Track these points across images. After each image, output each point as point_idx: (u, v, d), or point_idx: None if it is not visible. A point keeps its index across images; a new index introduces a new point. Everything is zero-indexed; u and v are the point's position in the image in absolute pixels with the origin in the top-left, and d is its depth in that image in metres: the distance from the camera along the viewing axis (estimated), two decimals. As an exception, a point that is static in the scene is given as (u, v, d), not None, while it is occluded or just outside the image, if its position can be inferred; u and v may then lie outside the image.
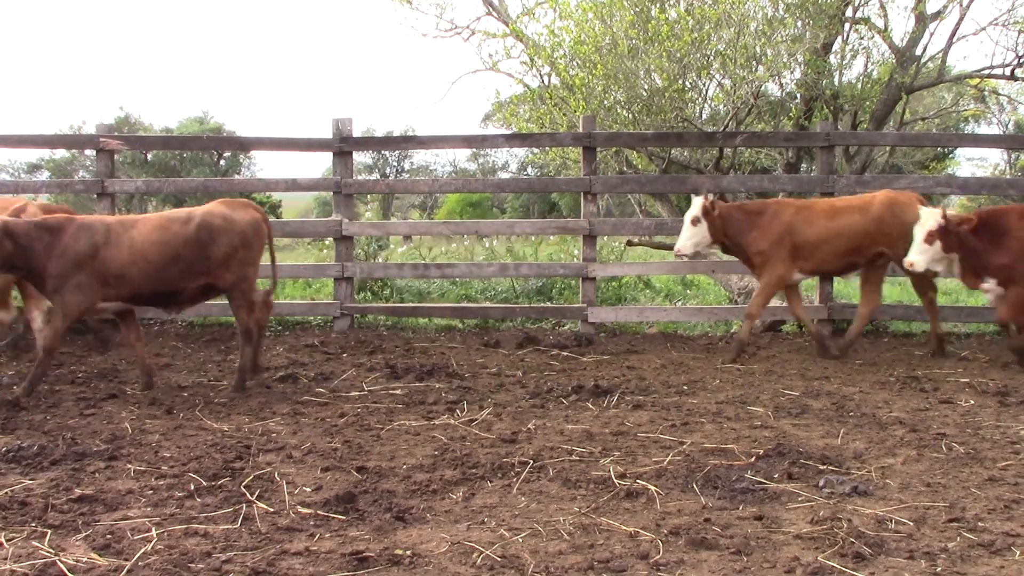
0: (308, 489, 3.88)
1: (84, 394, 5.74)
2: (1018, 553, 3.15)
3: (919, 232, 6.41)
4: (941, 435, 4.73)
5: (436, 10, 11.78)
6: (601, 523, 3.47)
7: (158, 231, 5.59)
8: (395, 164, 46.93)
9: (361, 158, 44.06)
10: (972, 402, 5.54)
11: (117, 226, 5.59)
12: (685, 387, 6.00)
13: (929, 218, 6.38)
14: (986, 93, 16.41)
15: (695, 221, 6.95)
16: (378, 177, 43.74)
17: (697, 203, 6.97)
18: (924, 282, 7.13)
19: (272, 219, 6.96)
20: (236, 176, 40.96)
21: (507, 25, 11.47)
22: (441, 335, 8.28)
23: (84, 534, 3.34)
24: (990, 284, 6.49)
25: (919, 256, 6.39)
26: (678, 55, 8.96)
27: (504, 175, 37.68)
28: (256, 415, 5.25)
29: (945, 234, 6.34)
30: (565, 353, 7.31)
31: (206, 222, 5.65)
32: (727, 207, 7.12)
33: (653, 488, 3.86)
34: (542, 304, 9.37)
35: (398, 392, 5.87)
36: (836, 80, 10.60)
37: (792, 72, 10.40)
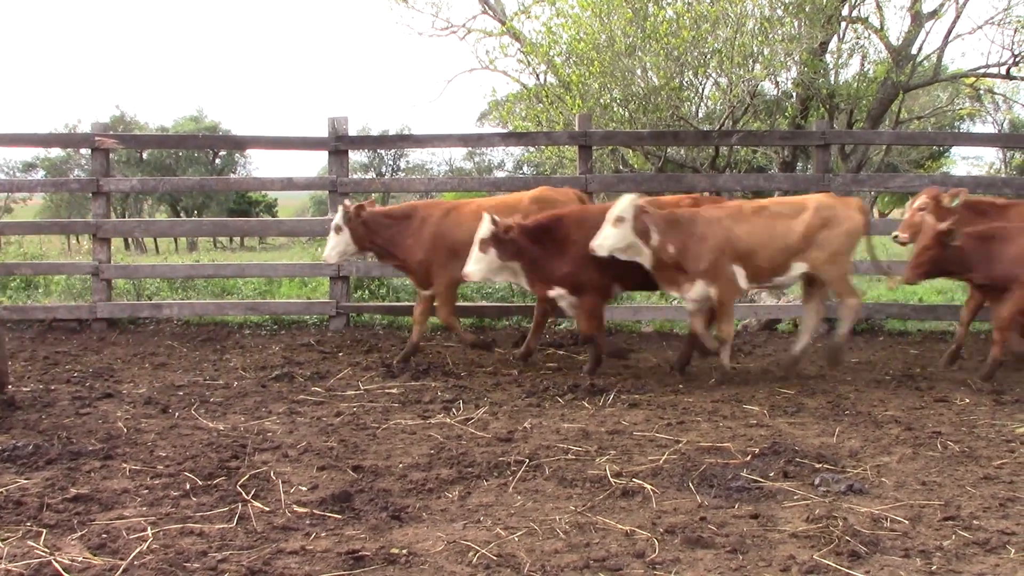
0: (304, 488, 3.87)
1: (79, 393, 5.73)
2: (1013, 551, 3.16)
3: (476, 240, 6.05)
4: (936, 433, 4.73)
5: (432, 8, 11.83)
6: (597, 522, 3.47)
7: None
8: (391, 163, 46.93)
9: (357, 157, 44.10)
10: (967, 400, 5.55)
11: None
12: (681, 385, 6.00)
13: (483, 225, 6.00)
14: (981, 92, 16.47)
15: (337, 229, 6.70)
16: (374, 176, 43.73)
17: (340, 211, 6.75)
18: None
19: (268, 218, 6.92)
20: (232, 175, 40.97)
21: (503, 23, 11.49)
22: (437, 334, 8.27)
23: (79, 534, 3.33)
24: (558, 292, 6.17)
25: (475, 266, 6.03)
26: (675, 53, 8.98)
27: (500, 174, 37.66)
28: (252, 414, 5.24)
29: (499, 242, 5.97)
30: (561, 352, 7.31)
31: None
32: (372, 214, 6.78)
33: (649, 487, 3.86)
34: (538, 303, 9.35)
35: (394, 391, 5.87)
36: (832, 79, 10.64)
37: (789, 71, 10.44)
